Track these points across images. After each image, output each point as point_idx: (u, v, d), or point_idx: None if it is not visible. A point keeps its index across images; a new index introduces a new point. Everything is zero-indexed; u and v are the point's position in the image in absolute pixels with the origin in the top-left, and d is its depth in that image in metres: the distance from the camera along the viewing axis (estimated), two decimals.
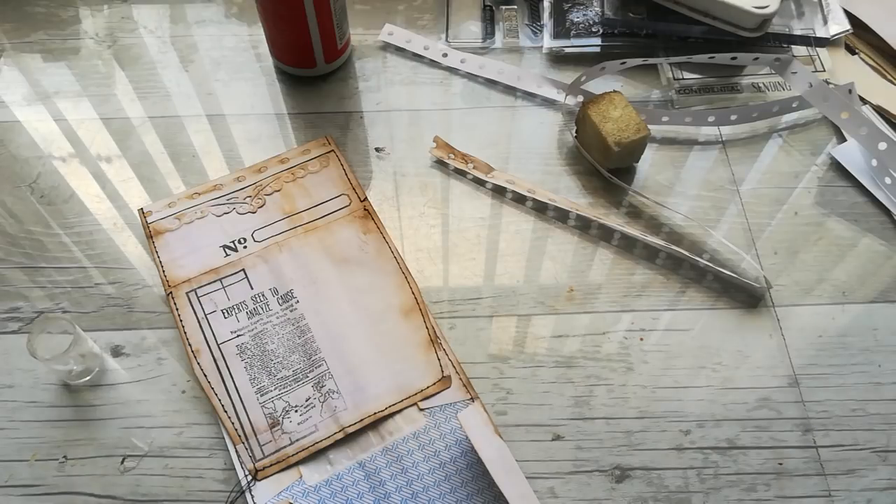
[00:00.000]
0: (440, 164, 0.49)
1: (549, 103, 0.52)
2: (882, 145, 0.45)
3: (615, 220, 0.46)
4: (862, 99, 0.51)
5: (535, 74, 0.52)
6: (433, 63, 0.54)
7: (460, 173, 0.48)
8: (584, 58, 0.54)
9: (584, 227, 0.46)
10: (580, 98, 0.51)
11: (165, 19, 0.57)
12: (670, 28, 0.53)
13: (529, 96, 0.52)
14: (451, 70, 0.54)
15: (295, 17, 0.47)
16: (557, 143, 0.50)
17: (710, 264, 0.44)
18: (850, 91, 0.48)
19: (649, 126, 0.47)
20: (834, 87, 0.49)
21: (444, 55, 0.54)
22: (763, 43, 0.53)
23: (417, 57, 0.54)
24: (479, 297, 0.44)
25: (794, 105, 0.50)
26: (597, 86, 0.51)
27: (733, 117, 0.50)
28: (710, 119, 0.50)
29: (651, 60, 0.50)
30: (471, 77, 0.53)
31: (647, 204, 0.47)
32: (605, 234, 0.46)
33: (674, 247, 0.44)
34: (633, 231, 0.45)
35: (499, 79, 0.53)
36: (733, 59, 0.48)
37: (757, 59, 0.48)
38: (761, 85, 0.52)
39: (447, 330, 0.42)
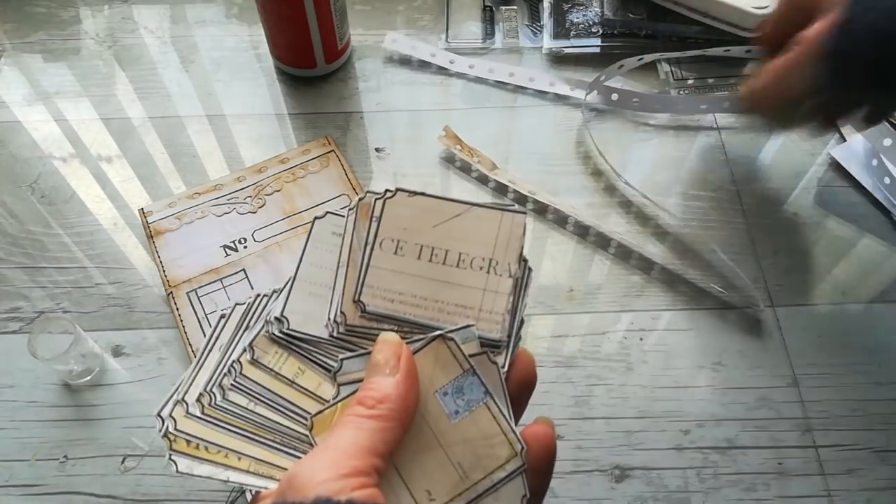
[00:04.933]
0: (441, 163, 0.49)
1: (549, 103, 0.52)
2: (887, 141, 0.45)
3: (615, 221, 0.46)
4: None
5: (549, 75, 0.52)
6: (441, 69, 0.54)
7: (463, 171, 0.49)
8: (584, 58, 0.54)
9: (584, 230, 0.46)
10: (597, 94, 0.51)
11: (166, 19, 0.57)
12: (670, 28, 0.53)
13: (529, 97, 0.52)
14: (458, 73, 0.54)
15: (295, 18, 0.47)
16: (557, 144, 0.50)
17: (711, 284, 0.44)
18: None
19: (645, 117, 0.47)
20: None
21: (452, 62, 0.54)
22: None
23: (423, 62, 0.54)
24: None
25: None
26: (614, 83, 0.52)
27: (725, 104, 0.50)
28: (703, 107, 0.50)
29: (667, 55, 0.50)
30: (470, 77, 0.53)
31: (646, 205, 0.47)
32: (603, 241, 0.46)
33: (673, 262, 0.44)
34: (631, 242, 0.45)
35: (510, 80, 0.53)
36: (748, 51, 0.49)
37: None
38: None
39: None
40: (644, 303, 0.43)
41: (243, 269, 0.44)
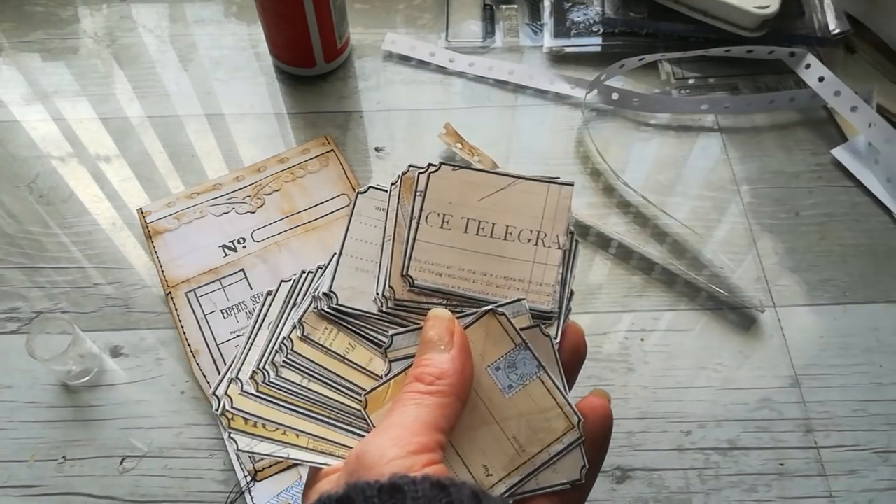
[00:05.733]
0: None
1: (549, 102, 0.52)
2: (888, 141, 0.45)
3: (615, 221, 0.46)
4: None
5: (548, 74, 0.52)
6: (440, 68, 0.54)
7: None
8: (585, 57, 0.54)
9: (584, 230, 0.46)
10: (597, 94, 0.51)
11: (164, 18, 0.57)
12: (671, 28, 0.53)
13: (529, 96, 0.52)
14: (457, 72, 0.53)
15: (294, 17, 0.47)
16: (557, 143, 0.50)
17: (711, 285, 0.44)
18: (871, 94, 0.49)
19: (646, 116, 0.47)
20: (856, 91, 0.49)
21: (451, 60, 0.53)
22: (763, 43, 0.52)
23: (422, 61, 0.54)
24: None
25: (791, 99, 0.50)
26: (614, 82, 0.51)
27: (726, 105, 0.50)
28: (703, 107, 0.50)
29: (668, 56, 0.50)
30: (470, 76, 0.53)
31: (646, 205, 0.47)
32: (603, 241, 0.46)
33: (671, 262, 0.44)
34: (632, 242, 0.45)
35: (510, 79, 0.52)
36: (749, 52, 0.49)
37: (772, 52, 0.48)
38: (762, 85, 0.52)
39: None
40: (645, 303, 0.43)
41: (242, 270, 0.43)
